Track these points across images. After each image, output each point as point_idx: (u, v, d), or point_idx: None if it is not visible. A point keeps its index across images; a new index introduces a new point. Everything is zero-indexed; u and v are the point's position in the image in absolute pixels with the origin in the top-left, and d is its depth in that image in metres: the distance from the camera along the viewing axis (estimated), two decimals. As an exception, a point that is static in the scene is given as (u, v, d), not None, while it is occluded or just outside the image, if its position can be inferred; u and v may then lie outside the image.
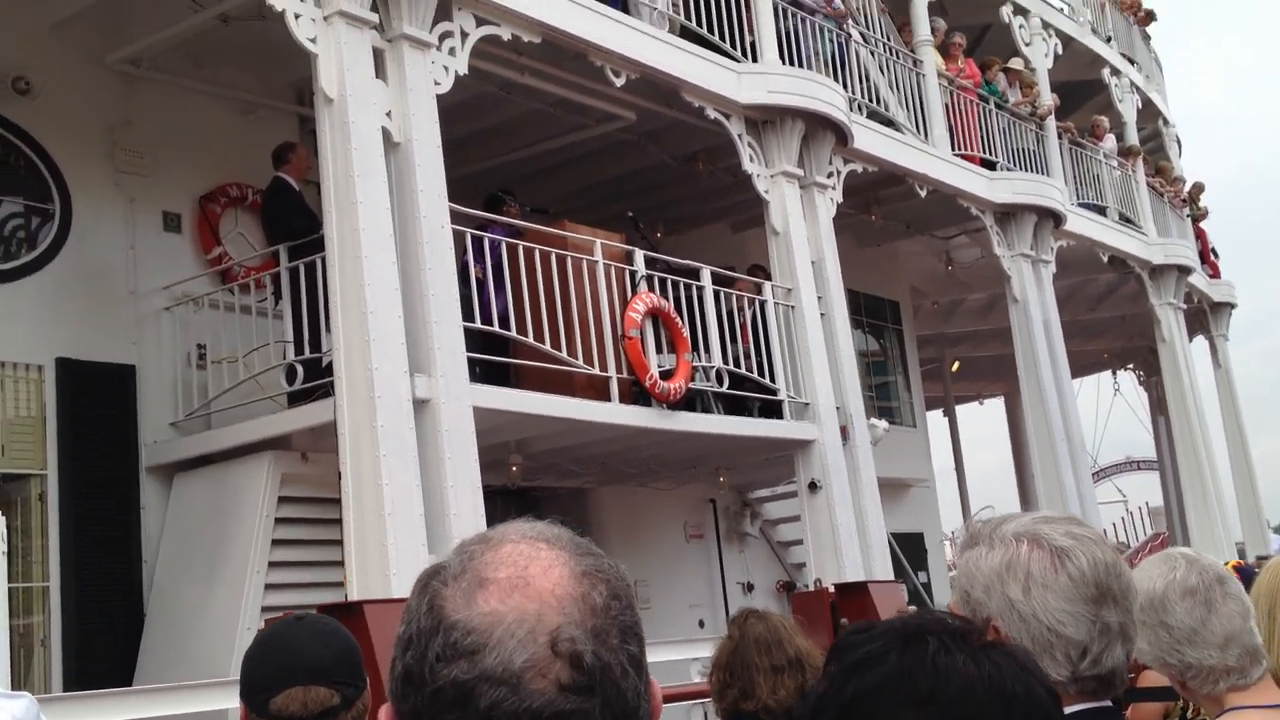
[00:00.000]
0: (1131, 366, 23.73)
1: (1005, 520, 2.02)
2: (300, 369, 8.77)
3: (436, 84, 8.72)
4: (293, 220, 9.28)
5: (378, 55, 8.39)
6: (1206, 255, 22.34)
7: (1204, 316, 21.61)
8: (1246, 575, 4.03)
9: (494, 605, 1.12)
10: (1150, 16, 23.00)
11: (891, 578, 11.53)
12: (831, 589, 9.83)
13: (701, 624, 12.51)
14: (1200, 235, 22.30)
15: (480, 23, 9.18)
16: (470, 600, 1.13)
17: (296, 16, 7.95)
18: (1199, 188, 22.65)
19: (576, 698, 1.10)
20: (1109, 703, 1.91)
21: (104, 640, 9.01)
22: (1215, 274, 22.28)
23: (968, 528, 2.07)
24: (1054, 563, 1.90)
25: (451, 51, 8.91)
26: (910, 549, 15.97)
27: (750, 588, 13.68)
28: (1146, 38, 22.98)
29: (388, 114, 8.33)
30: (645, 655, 1.17)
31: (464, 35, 9.04)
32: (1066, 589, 1.89)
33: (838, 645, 1.44)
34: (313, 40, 8.00)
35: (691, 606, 13.13)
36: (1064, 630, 1.87)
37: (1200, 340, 21.70)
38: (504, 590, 1.13)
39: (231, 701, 2.77)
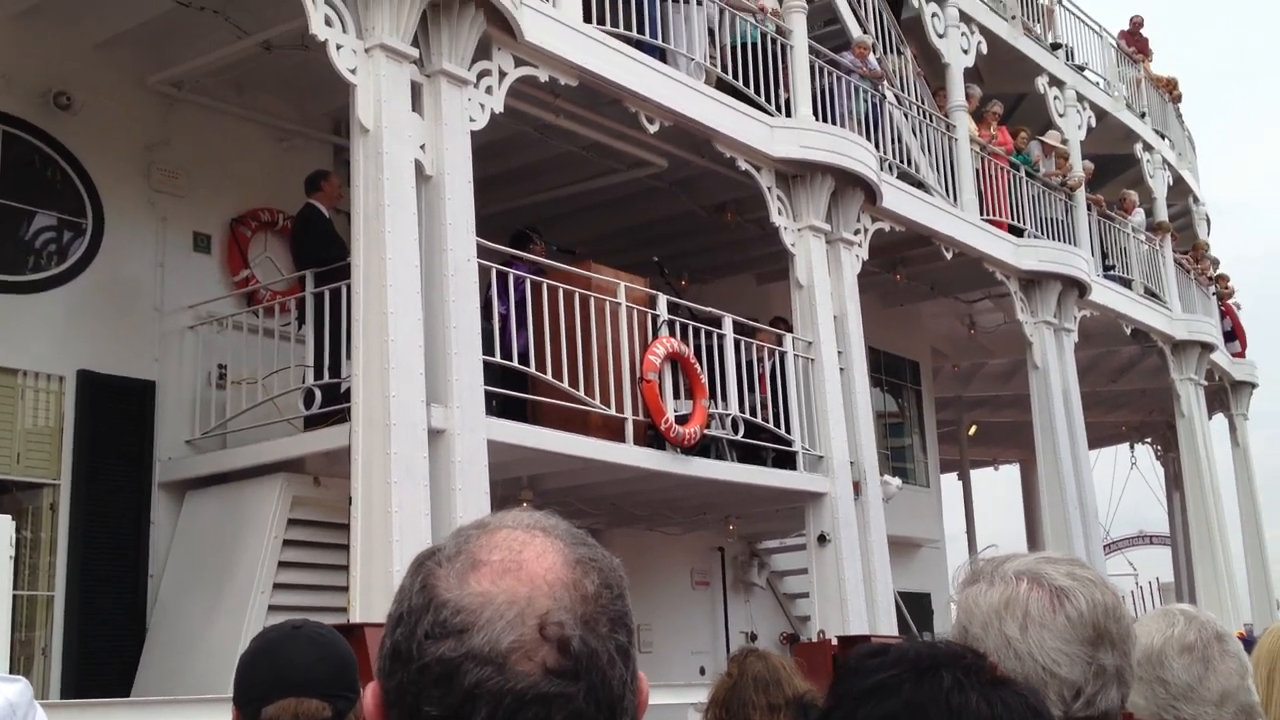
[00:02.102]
0: (1149, 440, 23.60)
1: (1008, 558, 2.01)
2: (318, 393, 8.81)
3: (472, 120, 8.81)
4: (321, 247, 9.35)
5: (415, 89, 8.48)
6: (1239, 333, 22.23)
7: (1224, 395, 21.51)
8: (1249, 645, 4.00)
9: (485, 586, 1.13)
10: (1179, 97, 23.08)
11: (896, 634, 11.45)
12: (835, 641, 9.79)
13: (703, 671, 12.44)
14: (1229, 313, 22.22)
15: (519, 63, 9.28)
16: (463, 581, 1.14)
17: (339, 47, 8.06)
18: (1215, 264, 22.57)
19: (561, 682, 1.10)
20: (1100, 745, 1.89)
21: (105, 653, 9.01)
22: (1243, 352, 22.14)
23: (970, 564, 2.07)
24: (1053, 602, 1.90)
25: (489, 90, 9.00)
26: (917, 609, 15.86)
27: (753, 637, 13.61)
28: (1180, 116, 23.05)
29: (421, 147, 8.42)
30: (635, 646, 1.18)
31: (502, 75, 9.14)
32: (1064, 629, 1.88)
33: (848, 667, 1.42)
34: (353, 71, 8.10)
35: (694, 653, 13.06)
36: (1059, 670, 1.86)
37: (1220, 419, 21.58)
38: (496, 573, 1.14)
39: (226, 718, 2.78)
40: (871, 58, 13.72)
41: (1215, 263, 22.47)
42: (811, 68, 12.39)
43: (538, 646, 1.11)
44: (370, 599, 7.32)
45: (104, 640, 9.03)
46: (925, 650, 1.39)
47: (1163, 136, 21.40)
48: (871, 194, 12.49)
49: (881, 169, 12.84)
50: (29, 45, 9.38)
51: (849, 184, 12.17)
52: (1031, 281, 15.39)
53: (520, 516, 1.22)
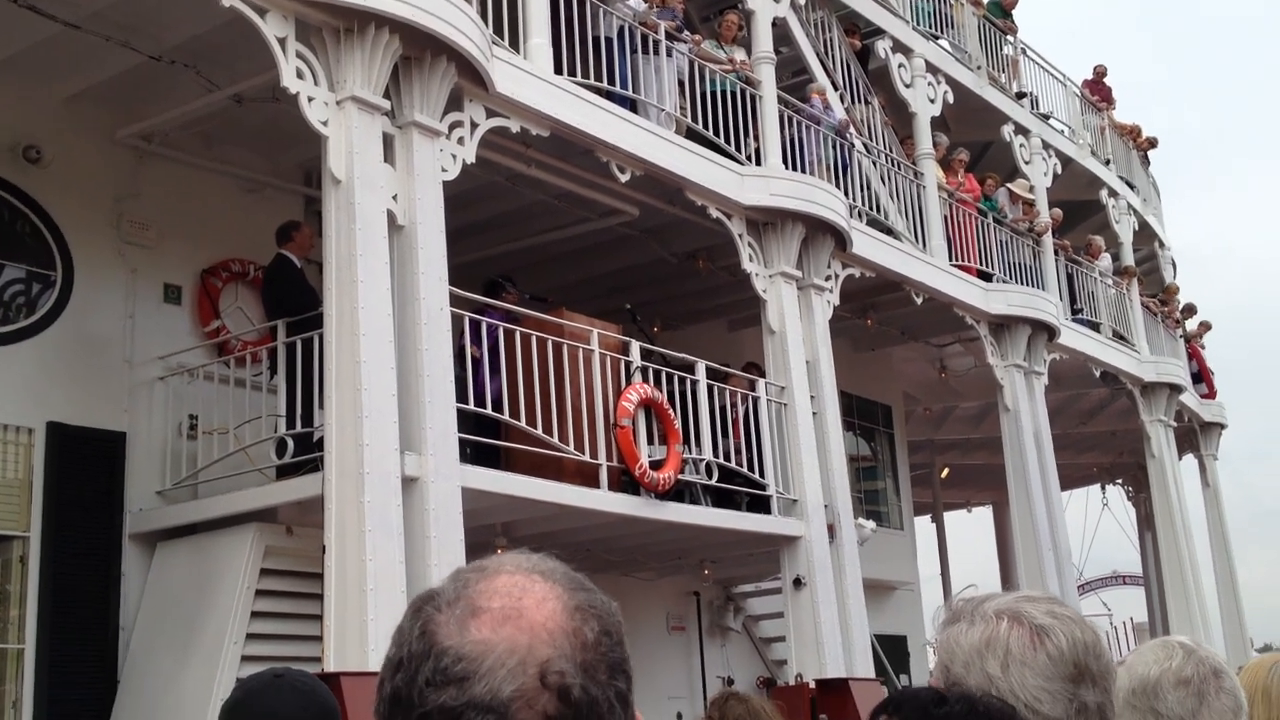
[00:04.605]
0: (1120, 482, 23.73)
1: (988, 598, 2.03)
2: (291, 443, 8.77)
3: (443, 171, 8.84)
4: (293, 296, 9.34)
5: (387, 140, 8.51)
6: (1205, 375, 22.42)
7: (1194, 435, 21.67)
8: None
9: (486, 634, 1.14)
10: (1152, 143, 23.39)
11: (873, 677, 11.45)
12: (812, 685, 9.76)
13: (679, 716, 12.39)
14: (1195, 355, 22.44)
15: (490, 114, 9.33)
16: (463, 628, 1.15)
17: (310, 99, 8.08)
18: (1190, 309, 22.83)
19: None
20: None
21: (76, 706, 8.89)
22: (1211, 394, 22.32)
23: (950, 605, 2.09)
24: (1033, 640, 1.91)
25: (460, 140, 9.04)
26: (893, 651, 15.85)
27: (730, 682, 13.55)
28: (1146, 163, 23.35)
29: (394, 197, 8.43)
30: (633, 692, 1.20)
31: (474, 126, 9.19)
32: (1045, 667, 1.89)
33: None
34: (324, 123, 8.13)
35: (670, 698, 13.01)
36: (1041, 708, 1.87)
37: (1190, 459, 21.74)
38: (497, 620, 1.15)
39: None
40: (836, 103, 13.86)
41: (1191, 309, 22.70)
42: (780, 117, 12.51)
43: (538, 695, 1.12)
44: (345, 648, 7.27)
45: (75, 693, 8.92)
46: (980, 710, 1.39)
47: (1129, 184, 21.67)
48: (842, 240, 12.59)
49: (851, 216, 12.95)
50: (-1, 99, 9.38)
51: (819, 231, 12.26)
52: (1001, 325, 15.52)
53: (519, 560, 1.23)
